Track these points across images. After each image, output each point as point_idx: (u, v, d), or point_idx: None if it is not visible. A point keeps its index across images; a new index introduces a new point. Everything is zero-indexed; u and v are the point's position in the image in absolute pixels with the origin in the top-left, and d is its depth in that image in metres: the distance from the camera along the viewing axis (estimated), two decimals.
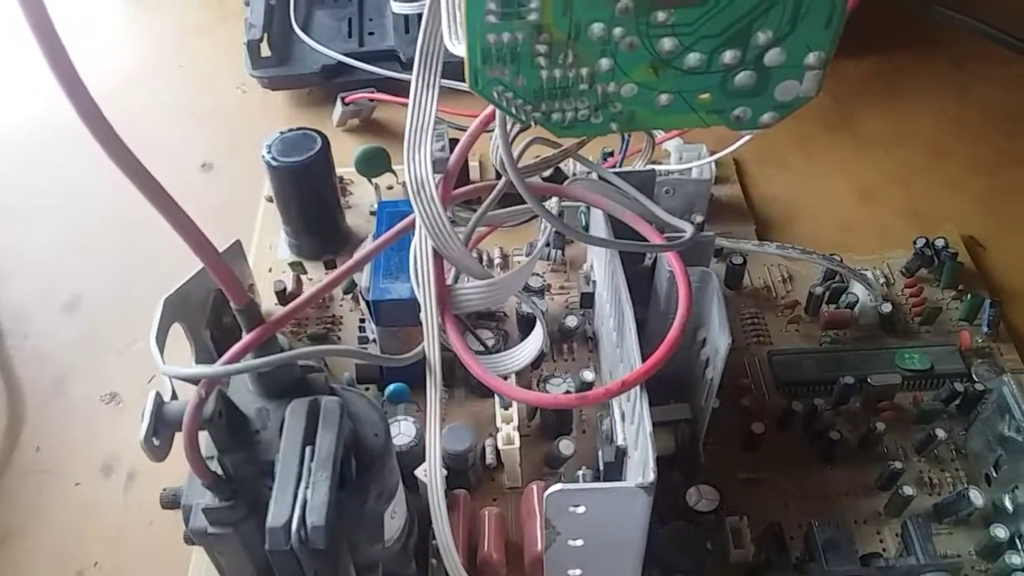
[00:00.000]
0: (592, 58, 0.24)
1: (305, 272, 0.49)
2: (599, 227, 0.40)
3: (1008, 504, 0.37)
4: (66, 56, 0.20)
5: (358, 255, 0.32)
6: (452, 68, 0.28)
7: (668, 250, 0.35)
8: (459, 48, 0.25)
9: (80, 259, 0.52)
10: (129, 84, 0.64)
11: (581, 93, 0.25)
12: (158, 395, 0.28)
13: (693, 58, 0.25)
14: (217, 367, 0.27)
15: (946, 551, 0.38)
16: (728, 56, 0.25)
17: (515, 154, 0.36)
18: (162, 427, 0.27)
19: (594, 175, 0.39)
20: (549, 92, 0.25)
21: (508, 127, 0.29)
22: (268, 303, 0.47)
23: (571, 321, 0.45)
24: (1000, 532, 0.36)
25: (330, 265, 0.49)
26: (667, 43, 0.24)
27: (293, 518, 0.26)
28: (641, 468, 0.30)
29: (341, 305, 0.48)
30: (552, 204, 0.39)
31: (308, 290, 0.31)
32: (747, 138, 0.44)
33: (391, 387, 0.41)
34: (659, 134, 0.49)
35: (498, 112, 0.27)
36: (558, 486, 0.29)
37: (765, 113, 0.26)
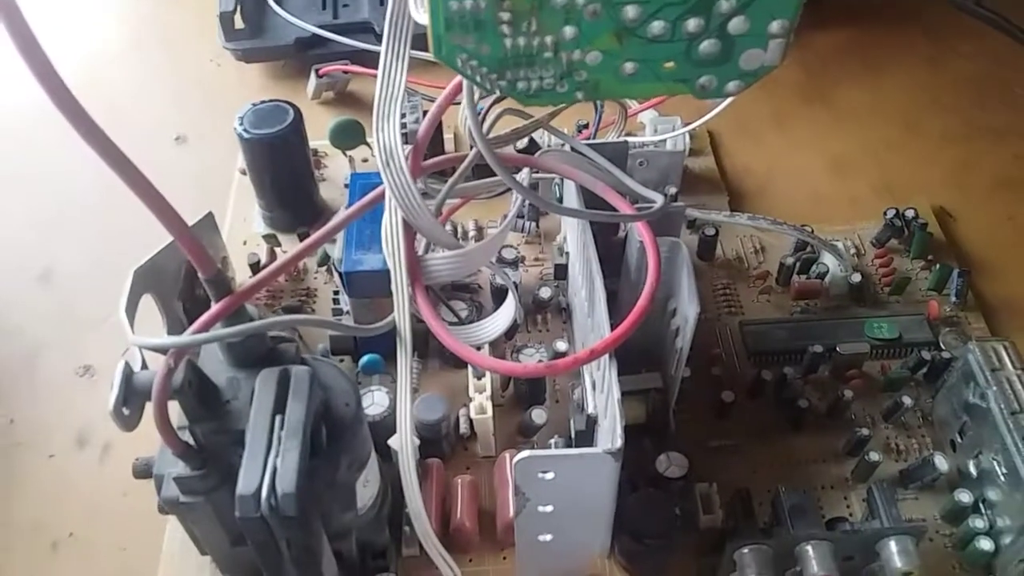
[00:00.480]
0: (556, 26, 0.24)
1: (279, 245, 0.49)
2: (571, 198, 0.40)
3: (972, 469, 0.38)
4: (31, 33, 0.20)
5: (327, 226, 0.32)
6: (424, 39, 0.28)
7: (638, 220, 0.35)
8: (423, 16, 0.25)
9: (54, 231, 0.52)
10: (104, 58, 0.63)
11: (546, 61, 0.25)
12: (127, 365, 0.28)
13: (657, 26, 0.25)
14: (185, 337, 0.27)
15: (911, 515, 0.38)
16: (692, 24, 0.25)
17: (487, 125, 0.36)
18: (131, 397, 0.27)
19: (567, 147, 0.39)
20: (514, 60, 0.25)
21: (476, 97, 0.29)
22: (243, 276, 0.47)
23: (545, 292, 0.45)
24: (964, 497, 0.37)
25: (304, 238, 0.49)
26: (631, 11, 0.24)
27: (263, 486, 0.26)
28: (610, 435, 0.31)
29: (316, 277, 0.48)
30: (524, 175, 0.39)
31: (277, 261, 0.31)
32: (719, 108, 0.44)
33: (365, 358, 0.41)
34: (632, 106, 0.49)
35: (465, 81, 0.27)
36: (526, 452, 0.29)
37: (730, 82, 0.26)
